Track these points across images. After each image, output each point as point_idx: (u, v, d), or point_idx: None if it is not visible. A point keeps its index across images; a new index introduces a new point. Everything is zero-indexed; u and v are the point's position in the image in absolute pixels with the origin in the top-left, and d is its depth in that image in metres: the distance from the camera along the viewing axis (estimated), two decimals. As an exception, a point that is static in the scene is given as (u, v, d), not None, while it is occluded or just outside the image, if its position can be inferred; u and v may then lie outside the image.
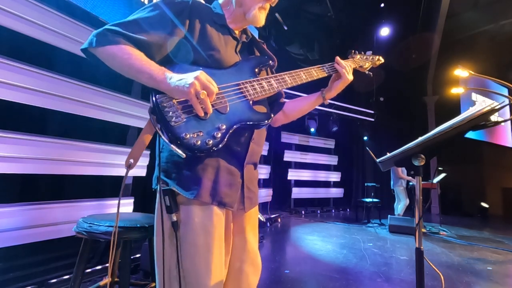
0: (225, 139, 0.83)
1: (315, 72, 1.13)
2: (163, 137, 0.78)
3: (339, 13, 7.22)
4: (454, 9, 7.35)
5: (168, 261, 0.88)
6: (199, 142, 0.78)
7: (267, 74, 1.09)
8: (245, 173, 0.98)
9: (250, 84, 0.94)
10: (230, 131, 0.85)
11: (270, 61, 1.05)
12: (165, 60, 0.91)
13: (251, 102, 0.92)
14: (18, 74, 1.93)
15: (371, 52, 1.36)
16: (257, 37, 1.15)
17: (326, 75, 1.16)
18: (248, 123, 0.89)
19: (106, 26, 0.83)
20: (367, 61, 1.34)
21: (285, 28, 6.66)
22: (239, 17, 1.03)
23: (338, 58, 1.16)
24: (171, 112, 0.79)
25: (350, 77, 1.15)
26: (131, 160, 0.82)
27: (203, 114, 0.80)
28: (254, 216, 1.09)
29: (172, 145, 0.77)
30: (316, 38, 7.64)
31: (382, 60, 1.39)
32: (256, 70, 1.00)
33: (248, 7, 1.00)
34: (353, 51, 1.31)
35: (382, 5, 7.63)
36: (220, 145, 0.82)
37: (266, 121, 0.92)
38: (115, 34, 0.82)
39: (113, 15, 2.73)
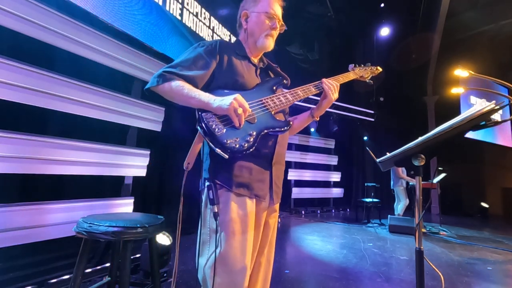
0: (256, 143, 1.04)
1: (313, 89, 1.28)
2: (210, 144, 1.00)
3: (339, 13, 7.21)
4: (454, 9, 7.34)
5: (208, 247, 1.06)
6: (237, 146, 1.00)
7: (282, 91, 1.28)
8: (273, 171, 1.17)
9: (271, 99, 1.15)
10: (259, 136, 1.06)
11: (284, 81, 1.28)
12: (205, 87, 1.14)
13: (273, 112, 1.14)
14: (18, 74, 1.93)
15: (369, 63, 1.53)
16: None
17: (318, 92, 1.30)
18: (272, 129, 1.11)
19: (163, 69, 1.08)
20: (366, 71, 1.51)
21: (285, 28, 6.65)
22: (252, 46, 1.27)
23: (324, 79, 1.29)
24: (214, 125, 1.01)
25: (335, 96, 1.28)
26: (188, 163, 1.08)
27: (238, 125, 1.01)
28: (276, 211, 1.26)
29: (217, 149, 0.98)
30: (316, 38, 7.63)
31: (380, 69, 1.55)
32: (274, 88, 1.23)
33: (257, 37, 1.25)
34: (353, 64, 1.49)
35: (382, 5, 7.63)
36: (253, 147, 1.03)
37: (286, 127, 1.14)
38: (171, 74, 1.07)
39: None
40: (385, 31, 8.16)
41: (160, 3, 3.42)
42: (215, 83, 1.15)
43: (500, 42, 7.88)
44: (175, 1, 3.67)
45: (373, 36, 8.32)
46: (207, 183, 1.09)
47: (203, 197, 1.11)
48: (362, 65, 1.52)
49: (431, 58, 8.58)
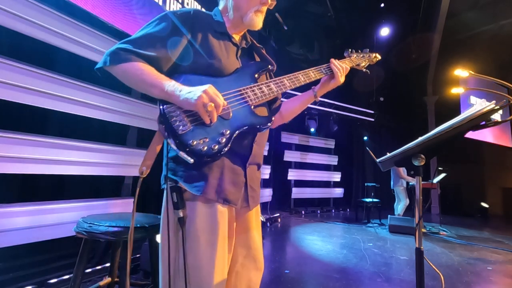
0: (229, 144, 0.89)
1: (313, 74, 1.17)
2: (172, 145, 0.84)
3: (339, 13, 7.22)
4: (454, 9, 7.35)
5: (173, 257, 0.91)
6: (205, 148, 0.84)
7: (267, 79, 1.13)
8: (248, 173, 1.02)
9: (251, 89, 0.98)
10: (234, 136, 0.90)
11: (269, 66, 1.09)
12: (171, 69, 0.96)
13: (252, 106, 0.97)
14: (18, 74, 1.93)
15: (368, 50, 1.38)
16: (257, 37, 1.15)
17: (324, 75, 1.19)
18: (250, 127, 0.94)
19: (118, 45, 0.89)
20: (364, 59, 1.37)
21: (285, 28, 6.66)
22: (237, 22, 1.06)
23: (333, 59, 1.19)
24: (178, 121, 0.85)
25: (342, 79, 1.19)
26: (144, 168, 0.88)
27: (209, 123, 0.86)
28: (256, 214, 1.12)
29: (181, 152, 0.83)
30: (316, 38, 7.65)
31: (379, 57, 1.41)
32: (256, 75, 1.04)
33: (244, 11, 1.03)
34: (350, 50, 1.35)
35: (382, 5, 7.63)
36: (225, 149, 0.87)
37: (267, 124, 0.97)
38: (127, 52, 0.87)
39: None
40: (385, 31, 8.15)
41: (160, 3, 3.42)
42: (184, 67, 0.96)
43: (500, 42, 7.88)
44: (175, 1, 3.67)
45: (373, 36, 8.32)
46: (168, 184, 0.93)
47: (164, 198, 0.95)
48: (360, 51, 1.37)
49: (431, 58, 8.59)
